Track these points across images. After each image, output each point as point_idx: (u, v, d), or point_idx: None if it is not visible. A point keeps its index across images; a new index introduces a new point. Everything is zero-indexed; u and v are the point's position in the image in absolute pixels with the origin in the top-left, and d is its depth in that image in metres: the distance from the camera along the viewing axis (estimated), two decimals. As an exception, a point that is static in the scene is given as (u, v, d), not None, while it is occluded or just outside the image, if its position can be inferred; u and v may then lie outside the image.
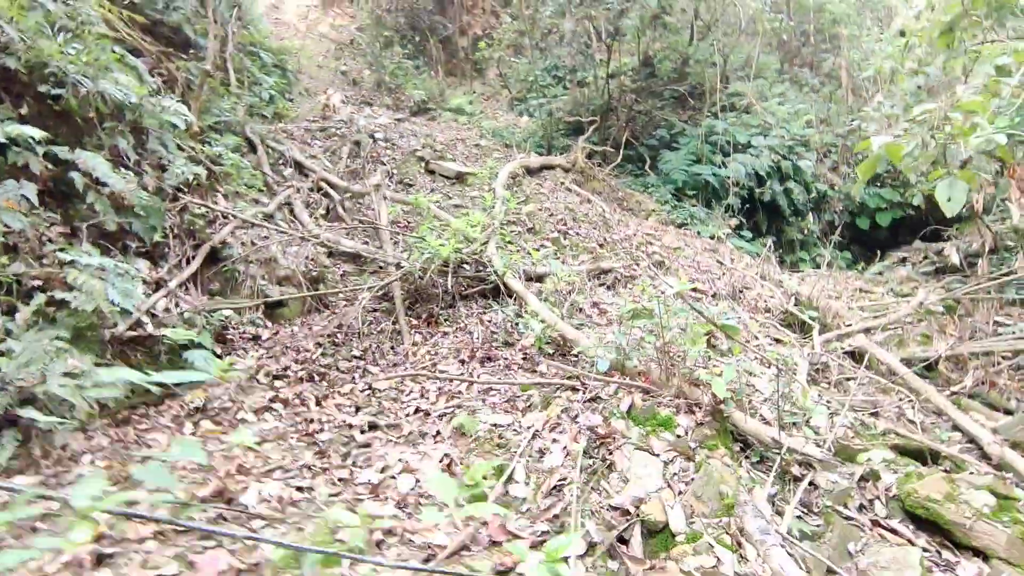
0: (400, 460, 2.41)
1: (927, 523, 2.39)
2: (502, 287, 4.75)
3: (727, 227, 9.33)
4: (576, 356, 3.57)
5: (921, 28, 6.18)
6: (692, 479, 2.18)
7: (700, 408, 2.75)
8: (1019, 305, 6.11)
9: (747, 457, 2.69)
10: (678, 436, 2.47)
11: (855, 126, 9.37)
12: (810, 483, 2.50)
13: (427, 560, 1.74)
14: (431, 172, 7.66)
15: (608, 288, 5.61)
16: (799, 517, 2.37)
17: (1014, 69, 3.29)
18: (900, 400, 3.88)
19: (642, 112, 10.92)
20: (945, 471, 2.85)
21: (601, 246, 6.78)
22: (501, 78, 12.70)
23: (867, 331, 5.34)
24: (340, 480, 2.32)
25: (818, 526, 2.33)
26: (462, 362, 3.72)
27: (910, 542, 2.31)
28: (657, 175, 10.38)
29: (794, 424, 2.73)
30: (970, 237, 7.48)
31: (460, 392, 3.23)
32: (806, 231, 10.33)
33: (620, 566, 1.86)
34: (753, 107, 10.98)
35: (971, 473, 2.78)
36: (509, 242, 5.81)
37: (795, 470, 2.56)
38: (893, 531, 2.36)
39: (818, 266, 9.35)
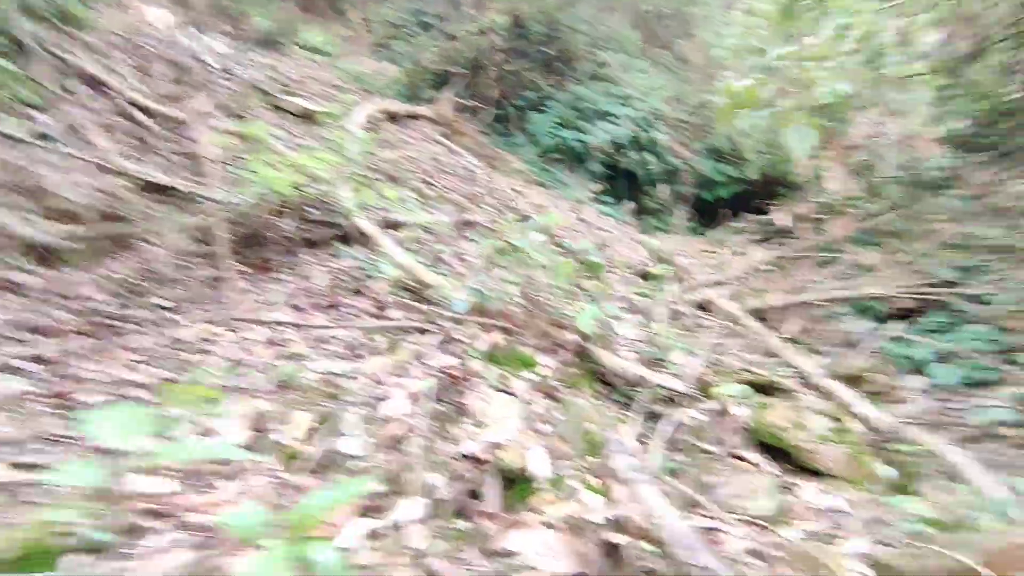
0: (191, 422, 1.83)
1: (776, 450, 2.39)
2: (356, 234, 4.18)
3: (590, 191, 9.48)
4: (434, 302, 3.17)
5: (764, 9, 6.56)
6: (556, 420, 1.92)
7: (564, 348, 2.51)
8: (828, 265, 6.88)
9: (611, 398, 2.51)
10: (542, 376, 2.20)
11: (705, 101, 9.97)
12: (673, 420, 2.39)
13: (203, 547, 1.25)
14: (277, 108, 6.64)
15: (473, 241, 5.27)
16: (663, 455, 2.23)
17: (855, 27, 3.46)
18: (743, 343, 4.06)
19: (511, 72, 10.63)
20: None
21: (467, 199, 6.41)
22: (365, 22, 11.59)
23: (713, 285, 5.64)
24: (99, 451, 1.70)
25: (681, 462, 2.21)
26: (298, 310, 3.13)
27: (759, 468, 2.29)
28: (525, 136, 10.25)
29: (658, 360, 2.62)
30: (792, 207, 8.34)
31: (290, 341, 2.66)
32: (660, 200, 10.92)
33: (471, 526, 1.53)
34: (616, 78, 11.28)
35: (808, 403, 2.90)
36: (365, 186, 5.18)
37: (658, 408, 2.43)
38: (747, 460, 2.33)
39: (670, 231, 9.95)
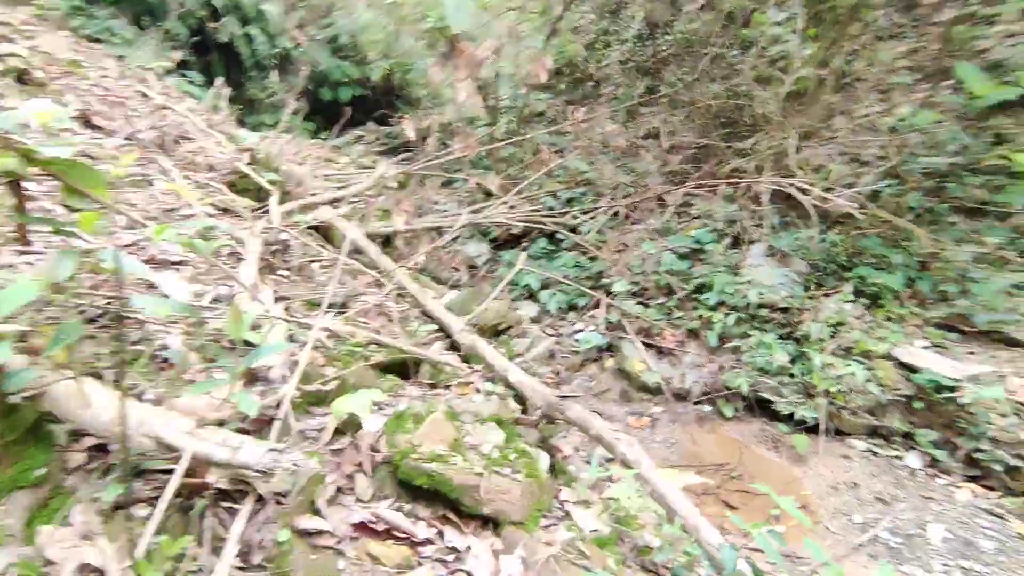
0: None
1: (429, 493, 1.45)
2: None
3: (168, 60, 6.56)
4: None
5: None
6: None
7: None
8: (451, 186, 6.52)
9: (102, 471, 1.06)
10: None
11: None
12: (257, 498, 1.13)
13: None
14: None
15: None
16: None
17: None
18: (369, 284, 3.03)
19: None
20: (431, 384, 2.06)
21: None
22: None
23: (333, 202, 4.38)
24: None
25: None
26: None
27: (411, 540, 1.32)
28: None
29: (215, 361, 1.26)
30: (419, 121, 7.64)
31: None
32: (270, 91, 8.68)
33: None
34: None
35: (458, 382, 2.08)
36: None
37: (222, 480, 1.12)
38: (388, 532, 1.31)
39: (281, 131, 8.01)
